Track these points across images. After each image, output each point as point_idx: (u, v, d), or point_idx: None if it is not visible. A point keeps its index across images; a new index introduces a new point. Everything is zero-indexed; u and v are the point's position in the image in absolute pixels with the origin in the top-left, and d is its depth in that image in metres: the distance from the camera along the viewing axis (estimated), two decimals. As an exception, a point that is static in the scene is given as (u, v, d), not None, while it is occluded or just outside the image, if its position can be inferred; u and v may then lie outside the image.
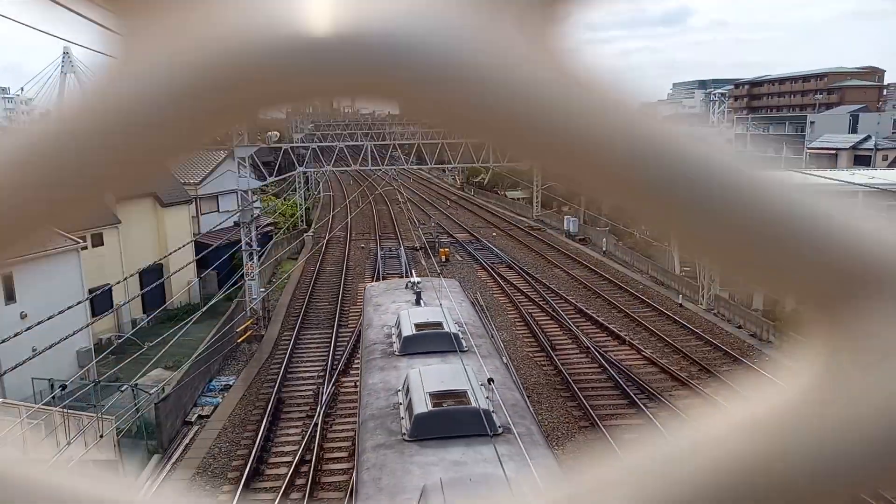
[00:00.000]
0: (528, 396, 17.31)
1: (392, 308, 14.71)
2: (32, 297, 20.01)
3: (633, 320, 25.60)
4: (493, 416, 8.64)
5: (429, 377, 9.78)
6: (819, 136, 62.15)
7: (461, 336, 12.45)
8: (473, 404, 8.75)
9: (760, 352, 22.37)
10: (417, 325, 12.77)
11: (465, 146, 28.88)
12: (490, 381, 9.55)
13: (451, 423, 8.57)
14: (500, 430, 8.50)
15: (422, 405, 8.85)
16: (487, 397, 9.11)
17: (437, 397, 9.12)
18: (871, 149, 52.26)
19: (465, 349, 11.83)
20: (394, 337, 13.01)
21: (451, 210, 55.19)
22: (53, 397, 16.49)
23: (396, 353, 12.23)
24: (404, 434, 8.52)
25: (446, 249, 36.35)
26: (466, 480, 7.31)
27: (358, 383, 13.50)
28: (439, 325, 12.59)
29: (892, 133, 64.46)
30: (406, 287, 16.17)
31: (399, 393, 10.00)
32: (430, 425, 8.55)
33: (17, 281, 20.11)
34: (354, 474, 9.38)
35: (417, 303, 14.63)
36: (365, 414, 10.41)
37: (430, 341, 12.12)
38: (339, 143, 28.34)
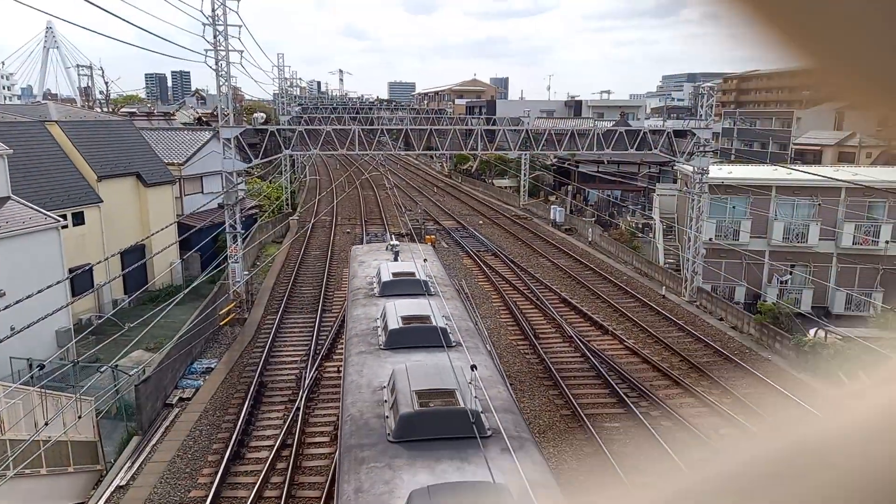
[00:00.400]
0: (511, 385, 17.39)
1: (374, 264, 17.27)
2: (11, 275, 19.69)
3: (616, 311, 25.77)
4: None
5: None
6: (805, 133, 62.63)
7: (430, 283, 14.71)
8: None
9: (741, 344, 22.63)
10: (394, 274, 15.28)
11: (453, 133, 28.72)
12: (473, 367, 9.53)
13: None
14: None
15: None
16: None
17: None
18: (856, 146, 52.78)
19: (433, 293, 14.17)
20: (374, 284, 15.45)
21: (437, 197, 55.07)
22: (32, 377, 16.29)
23: (376, 295, 14.67)
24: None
25: (432, 236, 36.31)
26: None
27: (345, 320, 16.10)
28: (412, 273, 15.13)
29: (877, 131, 65.07)
30: (386, 249, 18.80)
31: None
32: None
33: (-4, 258, 19.76)
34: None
35: (395, 260, 17.25)
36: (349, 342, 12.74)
37: (404, 286, 14.52)
38: (327, 127, 28.05)
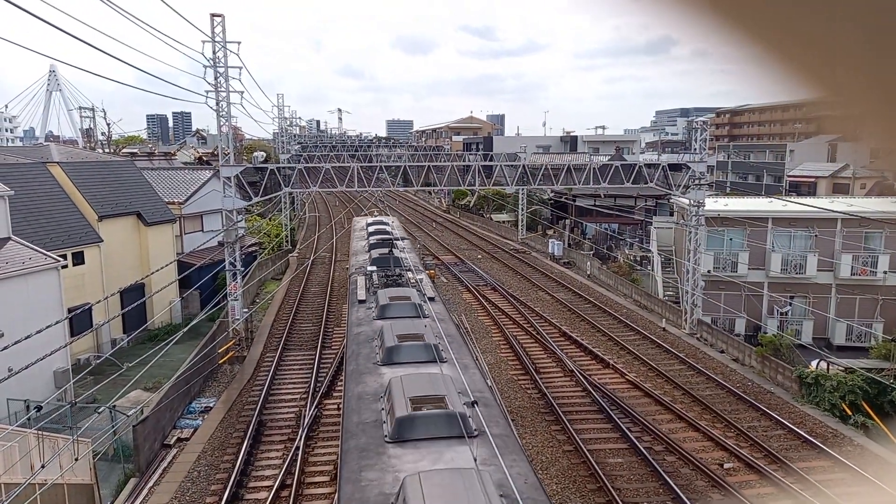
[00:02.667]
0: (512, 420, 17.23)
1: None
2: (10, 316, 19.65)
3: (617, 344, 25.67)
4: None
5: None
6: (799, 165, 63.30)
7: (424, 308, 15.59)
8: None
9: (743, 376, 22.49)
10: (391, 298, 16.03)
11: (451, 169, 29.04)
12: (474, 403, 9.51)
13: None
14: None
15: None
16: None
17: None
18: (850, 177, 53.30)
19: (430, 310, 15.70)
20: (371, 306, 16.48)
21: (436, 232, 55.30)
22: (29, 419, 16.13)
23: (374, 318, 15.41)
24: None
25: (432, 271, 36.35)
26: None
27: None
28: (408, 298, 15.99)
29: (870, 162, 65.81)
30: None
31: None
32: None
33: (-5, 299, 19.75)
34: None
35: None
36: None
37: (400, 309, 15.20)
38: (326, 164, 28.34)
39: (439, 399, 9.69)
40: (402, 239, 27.00)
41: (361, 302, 16.94)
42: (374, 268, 19.75)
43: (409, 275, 18.84)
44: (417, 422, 9.26)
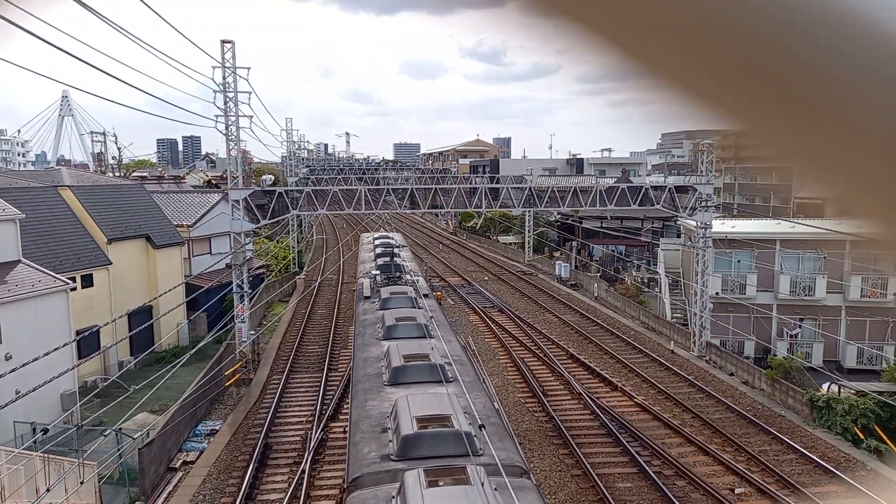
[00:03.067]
0: (520, 444, 17.06)
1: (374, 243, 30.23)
2: (18, 338, 19.74)
3: (625, 366, 25.48)
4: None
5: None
6: (806, 186, 63.18)
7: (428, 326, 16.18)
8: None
9: (753, 400, 22.24)
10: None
11: (458, 191, 29.18)
12: (482, 427, 9.47)
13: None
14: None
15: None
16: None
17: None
18: (857, 198, 53.12)
19: (424, 304, 18.51)
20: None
21: (443, 254, 55.36)
22: (35, 441, 16.12)
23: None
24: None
25: (439, 293, 36.33)
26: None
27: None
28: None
29: (877, 183, 65.57)
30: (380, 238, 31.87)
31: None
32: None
33: (3, 321, 19.87)
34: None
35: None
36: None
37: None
38: (334, 188, 28.55)
39: (444, 418, 10.07)
40: (403, 247, 32.38)
41: (367, 298, 20.44)
42: (378, 271, 23.35)
43: (407, 277, 23.19)
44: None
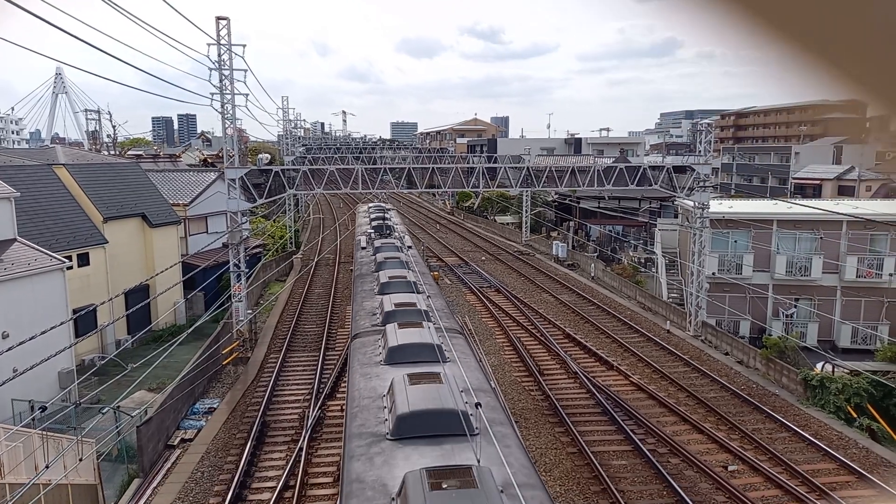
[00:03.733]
0: (516, 422, 17.19)
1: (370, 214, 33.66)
2: (15, 317, 19.73)
3: (621, 346, 25.62)
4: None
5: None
6: (804, 167, 63.10)
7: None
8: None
9: (748, 379, 22.41)
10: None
11: (455, 171, 29.05)
12: (478, 405, 9.51)
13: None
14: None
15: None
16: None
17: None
18: (855, 179, 53.11)
19: (410, 259, 21.69)
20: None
21: (440, 234, 55.31)
22: (33, 419, 16.19)
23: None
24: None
25: (436, 273, 36.35)
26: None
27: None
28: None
29: (876, 164, 65.60)
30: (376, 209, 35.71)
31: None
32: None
33: (0, 300, 19.84)
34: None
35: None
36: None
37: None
38: (330, 167, 28.39)
39: (402, 276, 11.70)
40: (390, 210, 38.28)
41: (364, 248, 25.69)
42: (372, 229, 29.21)
43: (396, 232, 28.66)
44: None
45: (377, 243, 25.07)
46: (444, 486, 7.26)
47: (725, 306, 29.45)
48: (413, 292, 17.02)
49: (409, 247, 26.03)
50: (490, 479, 7.40)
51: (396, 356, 12.41)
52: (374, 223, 31.30)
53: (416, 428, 9.10)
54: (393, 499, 7.56)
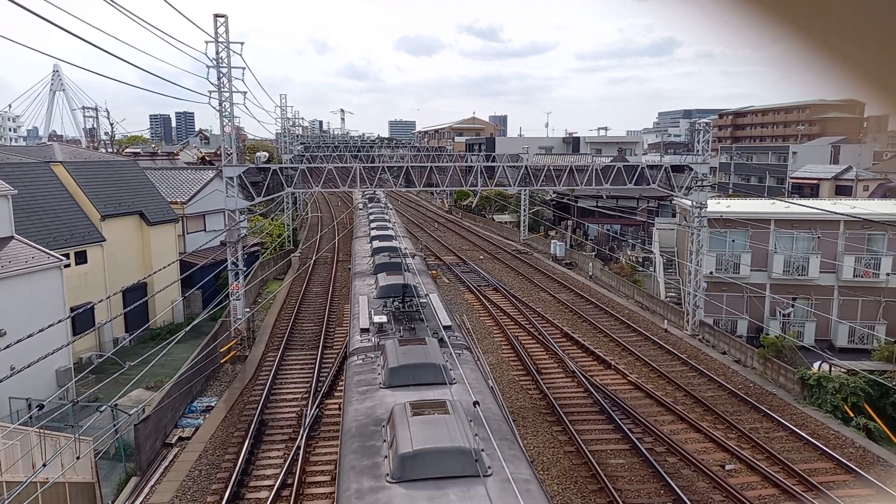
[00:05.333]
0: (513, 421, 17.21)
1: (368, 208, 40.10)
2: (12, 315, 19.69)
3: (618, 345, 25.64)
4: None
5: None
6: (801, 167, 63.19)
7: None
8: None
9: (745, 378, 22.45)
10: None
11: (453, 169, 29.03)
12: (476, 404, 9.48)
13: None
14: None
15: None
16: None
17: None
18: (853, 179, 53.19)
19: (396, 229, 29.02)
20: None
21: (438, 232, 55.29)
22: (31, 417, 16.16)
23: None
24: (387, 475, 8.14)
25: (434, 271, 36.34)
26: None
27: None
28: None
29: (873, 164, 65.72)
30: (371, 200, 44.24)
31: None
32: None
33: (-2, 298, 19.78)
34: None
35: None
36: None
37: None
38: (329, 165, 28.37)
39: (387, 231, 12.97)
40: (377, 196, 47.07)
41: (359, 209, 36.32)
42: (366, 199, 43.30)
43: (382, 205, 40.20)
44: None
45: (369, 209, 38.24)
46: None
47: (723, 305, 29.49)
48: (393, 237, 24.09)
49: (395, 222, 34.00)
50: None
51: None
52: (366, 200, 44.32)
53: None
54: None
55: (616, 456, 16.87)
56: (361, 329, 14.57)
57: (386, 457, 8.49)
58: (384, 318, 14.70)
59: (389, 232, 28.26)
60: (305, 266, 39.75)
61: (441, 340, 13.05)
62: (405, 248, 24.26)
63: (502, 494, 7.39)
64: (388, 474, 8.10)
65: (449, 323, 15.04)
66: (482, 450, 8.26)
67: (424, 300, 16.41)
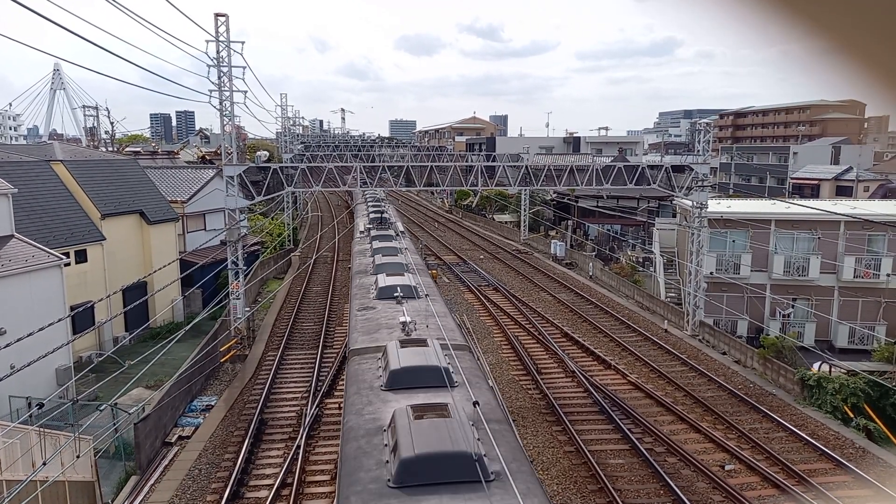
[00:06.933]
0: (513, 421, 17.21)
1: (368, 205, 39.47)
2: (12, 313, 19.69)
3: (618, 345, 25.64)
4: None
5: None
6: (802, 167, 63.17)
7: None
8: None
9: (745, 378, 22.44)
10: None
11: (453, 169, 29.03)
12: (475, 404, 9.46)
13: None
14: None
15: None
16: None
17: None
18: (853, 180, 53.17)
19: (393, 220, 29.93)
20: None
21: (438, 232, 55.29)
22: (31, 416, 16.16)
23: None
24: (388, 480, 7.97)
25: (434, 271, 36.33)
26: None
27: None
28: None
29: (874, 165, 65.71)
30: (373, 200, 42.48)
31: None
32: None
33: (-2, 296, 19.78)
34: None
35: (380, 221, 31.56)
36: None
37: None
38: (329, 164, 28.36)
39: (383, 215, 13.75)
40: (376, 195, 46.83)
41: (359, 205, 38.56)
42: (366, 199, 43.06)
43: (383, 205, 39.59)
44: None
45: (366, 200, 41.34)
46: None
47: (723, 306, 29.49)
48: (390, 231, 24.83)
49: (392, 217, 34.48)
50: None
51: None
52: (367, 197, 45.71)
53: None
54: None
55: (616, 456, 16.87)
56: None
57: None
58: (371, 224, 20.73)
59: (390, 232, 28.26)
60: (305, 265, 39.75)
61: (442, 342, 12.95)
62: (405, 248, 24.20)
63: (505, 500, 7.33)
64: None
65: (450, 324, 15.03)
66: (484, 454, 8.15)
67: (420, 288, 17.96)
